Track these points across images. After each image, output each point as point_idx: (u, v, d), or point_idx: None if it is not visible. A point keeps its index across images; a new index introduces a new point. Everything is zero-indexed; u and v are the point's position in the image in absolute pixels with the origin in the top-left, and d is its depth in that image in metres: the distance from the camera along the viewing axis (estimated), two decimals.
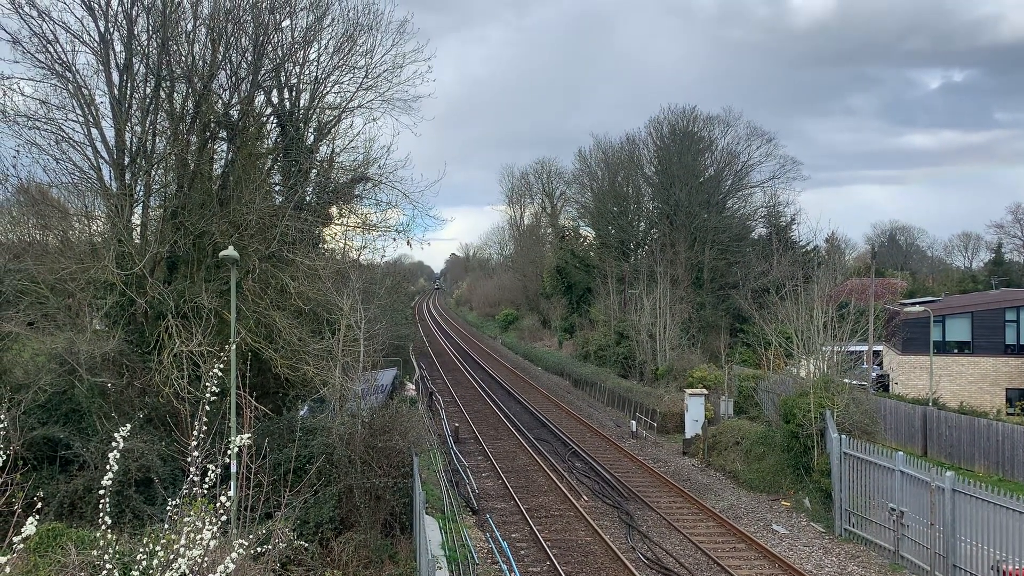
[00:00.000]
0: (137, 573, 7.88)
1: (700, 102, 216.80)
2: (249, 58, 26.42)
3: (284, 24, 27.94)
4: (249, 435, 9.17)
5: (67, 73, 23.69)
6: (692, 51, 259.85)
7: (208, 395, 8.50)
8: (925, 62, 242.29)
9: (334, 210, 31.48)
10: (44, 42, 23.44)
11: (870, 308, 39.53)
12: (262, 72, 27.13)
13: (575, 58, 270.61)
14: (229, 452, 8.64)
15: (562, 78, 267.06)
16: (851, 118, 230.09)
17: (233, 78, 26.54)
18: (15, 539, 6.56)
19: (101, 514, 7.65)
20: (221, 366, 9.02)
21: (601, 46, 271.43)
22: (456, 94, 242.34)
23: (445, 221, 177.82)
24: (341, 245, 33.34)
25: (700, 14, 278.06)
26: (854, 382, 31.49)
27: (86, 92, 23.90)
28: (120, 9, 24.00)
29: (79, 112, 23.91)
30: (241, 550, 7.72)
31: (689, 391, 38.45)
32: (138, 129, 24.38)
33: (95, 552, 8.01)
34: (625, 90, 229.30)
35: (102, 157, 24.18)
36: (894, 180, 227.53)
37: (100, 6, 23.75)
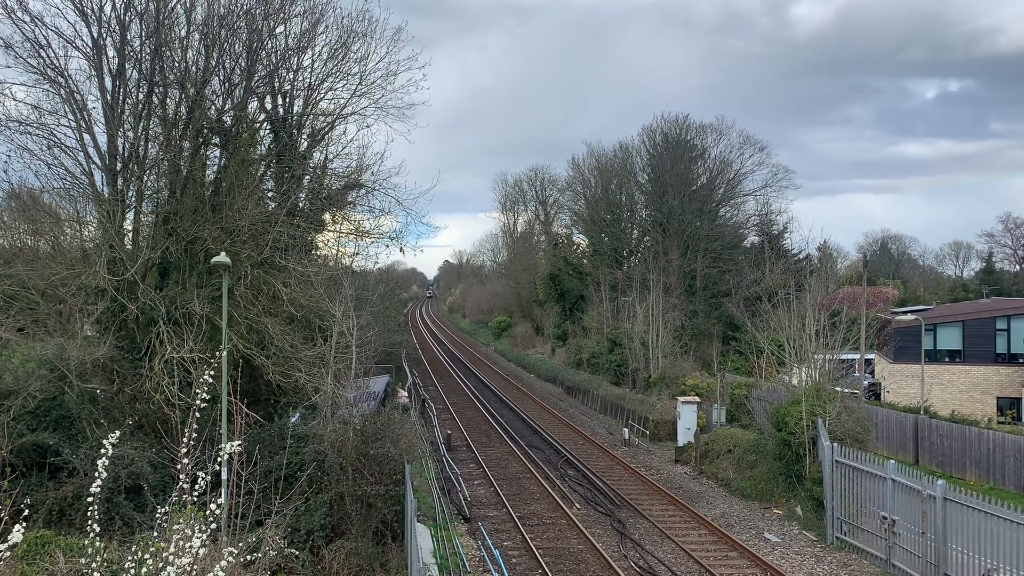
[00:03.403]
0: None
1: (699, 111, 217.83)
2: (243, 64, 26.39)
3: (278, 30, 27.90)
4: (240, 442, 9.13)
5: (59, 78, 23.64)
6: (692, 60, 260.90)
7: (199, 402, 8.45)
8: (922, 72, 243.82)
9: (327, 216, 31.43)
10: (36, 47, 23.40)
11: (862, 316, 39.70)
12: (255, 78, 27.09)
13: (575, 67, 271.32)
14: (220, 459, 8.59)
15: (561, 86, 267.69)
16: (847, 128, 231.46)
17: (226, 84, 26.50)
18: (1, 547, 6.50)
19: (90, 521, 7.59)
20: (212, 372, 8.98)
21: (601, 55, 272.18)
22: (454, 102, 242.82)
23: (439, 228, 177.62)
24: (334, 252, 33.30)
25: (701, 24, 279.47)
26: (846, 390, 31.55)
27: (78, 97, 23.85)
28: (113, 15, 23.96)
29: (71, 117, 23.86)
30: (231, 558, 7.67)
31: (681, 399, 38.49)
32: (130, 134, 24.31)
33: (83, 560, 7.95)
34: (624, 99, 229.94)
35: (94, 162, 24.11)
36: (888, 189, 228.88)
37: (93, 11, 23.72)
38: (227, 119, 26.84)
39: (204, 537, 7.56)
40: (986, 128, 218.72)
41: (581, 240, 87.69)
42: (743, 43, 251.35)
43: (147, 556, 7.69)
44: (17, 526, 6.56)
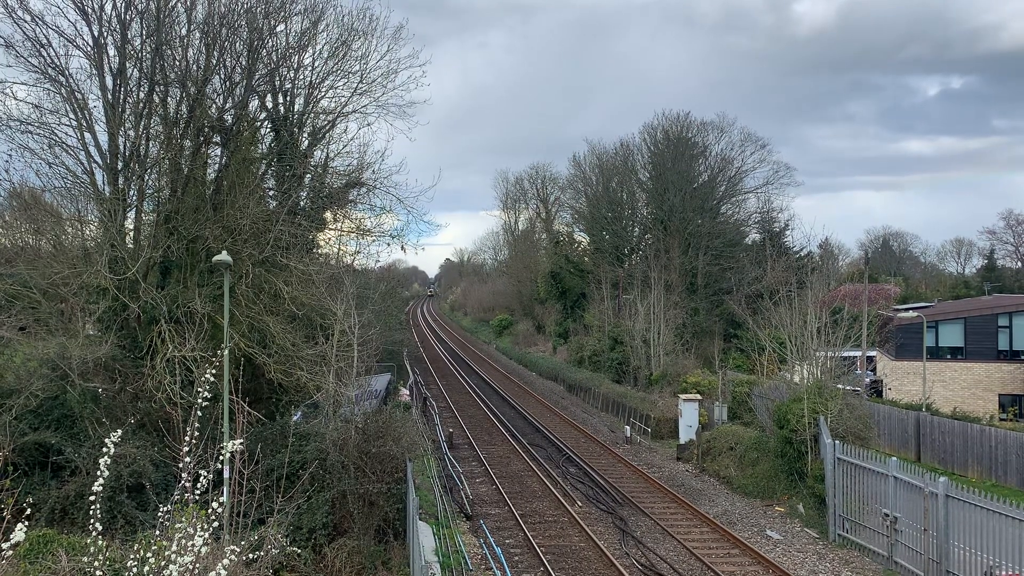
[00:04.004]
0: None
1: (701, 109, 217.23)
2: (243, 63, 26.40)
3: (279, 29, 27.94)
4: (242, 440, 9.13)
5: (60, 77, 23.67)
6: (694, 58, 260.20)
7: (201, 400, 8.45)
8: (924, 69, 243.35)
9: (328, 215, 31.45)
10: (37, 46, 23.42)
11: (863, 314, 39.64)
12: (256, 77, 27.10)
13: (576, 65, 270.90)
14: (222, 457, 8.60)
15: (562, 84, 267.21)
16: (849, 125, 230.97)
17: (227, 82, 26.51)
18: (4, 545, 6.51)
19: (92, 520, 7.59)
20: (214, 371, 8.98)
21: (603, 53, 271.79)
22: (455, 100, 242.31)
23: (440, 226, 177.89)
24: (335, 250, 33.33)
25: (703, 22, 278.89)
26: (848, 388, 31.53)
27: (79, 96, 23.87)
28: (114, 14, 23.98)
29: (72, 116, 23.89)
30: (233, 556, 7.68)
31: (683, 396, 38.47)
32: (131, 133, 24.33)
33: (86, 558, 7.96)
34: (626, 97, 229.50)
35: (95, 161, 24.13)
36: (890, 186, 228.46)
37: (94, 10, 23.73)
38: (228, 118, 26.85)
39: (206, 535, 7.57)
40: (988, 125, 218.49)
41: (582, 238, 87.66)
42: (745, 41, 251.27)
43: (149, 555, 7.70)
44: (20, 525, 6.57)
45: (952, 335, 47.05)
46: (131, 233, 25.02)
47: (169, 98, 25.37)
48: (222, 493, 8.41)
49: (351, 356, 25.25)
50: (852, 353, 40.74)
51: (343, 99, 30.57)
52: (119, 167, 24.13)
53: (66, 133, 23.94)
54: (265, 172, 29.54)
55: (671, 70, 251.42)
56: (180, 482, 7.97)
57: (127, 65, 24.21)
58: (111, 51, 24.16)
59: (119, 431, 7.98)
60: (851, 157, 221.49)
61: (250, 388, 23.79)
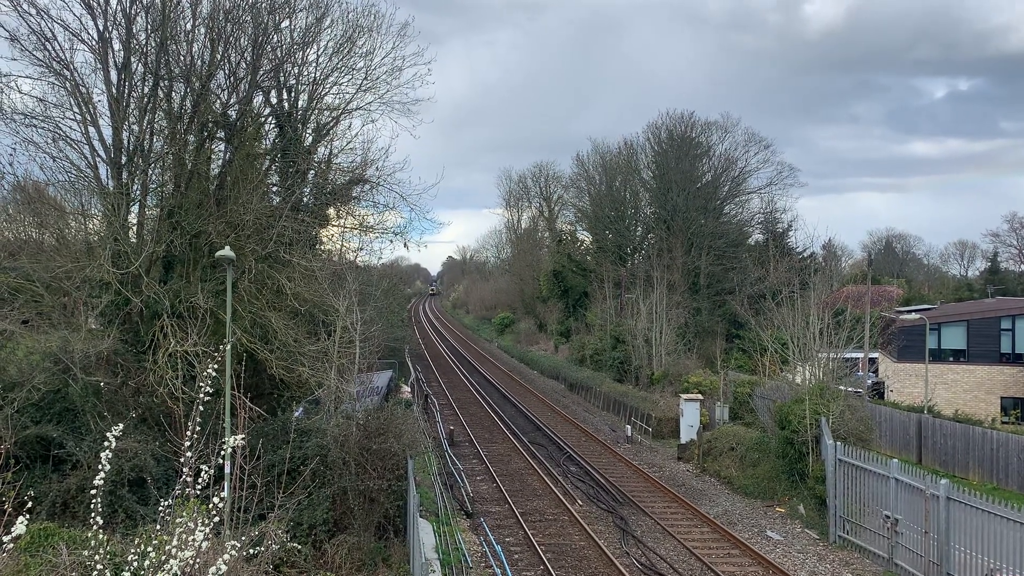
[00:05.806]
0: (128, 574, 7.85)
1: (706, 108, 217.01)
2: (248, 58, 26.39)
3: (283, 25, 27.94)
4: (243, 436, 9.14)
5: (65, 71, 23.64)
6: (701, 57, 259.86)
7: (202, 395, 8.46)
8: (931, 71, 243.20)
9: (331, 211, 31.45)
10: (42, 40, 23.39)
11: (866, 315, 39.59)
12: (261, 72, 27.10)
13: (582, 63, 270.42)
14: (223, 453, 8.61)
15: (569, 83, 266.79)
16: (855, 125, 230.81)
17: (232, 78, 26.51)
18: (5, 538, 6.51)
19: (93, 514, 7.61)
20: (216, 366, 8.98)
21: (609, 51, 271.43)
22: (460, 98, 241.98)
23: (443, 224, 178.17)
24: (338, 246, 33.33)
25: (711, 20, 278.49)
26: (849, 389, 31.50)
27: (84, 90, 23.85)
28: (119, 8, 23.96)
29: (76, 110, 23.86)
30: (233, 551, 7.68)
31: (684, 396, 38.45)
32: (135, 128, 24.32)
33: (86, 552, 7.97)
34: (631, 96, 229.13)
35: (99, 156, 24.12)
36: (895, 188, 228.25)
37: (99, 4, 23.71)
38: (232, 113, 26.85)
39: (207, 531, 7.57)
40: (995, 127, 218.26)
41: (585, 237, 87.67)
42: (754, 40, 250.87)
43: (150, 549, 7.71)
44: (21, 518, 6.58)
45: (955, 337, 46.99)
46: (134, 228, 25.03)
47: (173, 93, 25.36)
48: (223, 488, 8.44)
49: (353, 352, 25.27)
50: (854, 355, 40.67)
51: (347, 96, 30.60)
52: (123, 161, 24.12)
53: (70, 127, 23.94)
54: (269, 168, 29.53)
55: (676, 69, 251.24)
56: (181, 477, 7.98)
57: (132, 59, 24.19)
58: (116, 45, 24.15)
59: (120, 425, 7.99)
60: (856, 158, 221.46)
61: (252, 384, 23.78)
